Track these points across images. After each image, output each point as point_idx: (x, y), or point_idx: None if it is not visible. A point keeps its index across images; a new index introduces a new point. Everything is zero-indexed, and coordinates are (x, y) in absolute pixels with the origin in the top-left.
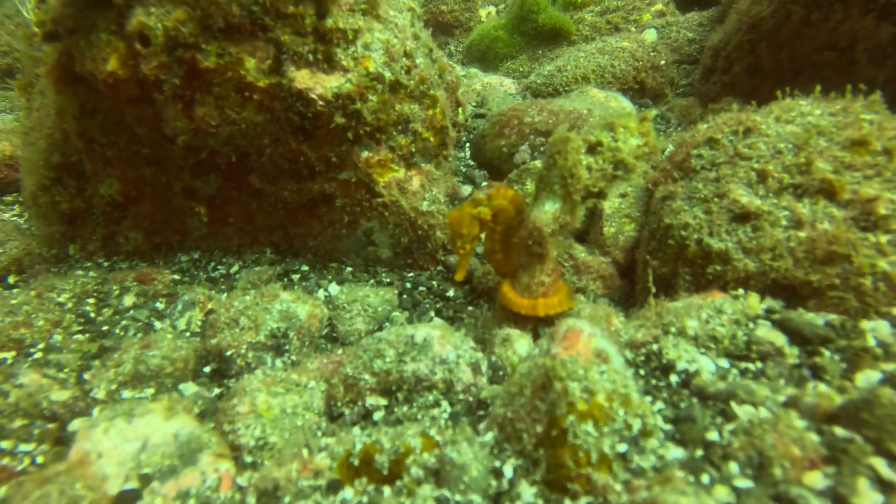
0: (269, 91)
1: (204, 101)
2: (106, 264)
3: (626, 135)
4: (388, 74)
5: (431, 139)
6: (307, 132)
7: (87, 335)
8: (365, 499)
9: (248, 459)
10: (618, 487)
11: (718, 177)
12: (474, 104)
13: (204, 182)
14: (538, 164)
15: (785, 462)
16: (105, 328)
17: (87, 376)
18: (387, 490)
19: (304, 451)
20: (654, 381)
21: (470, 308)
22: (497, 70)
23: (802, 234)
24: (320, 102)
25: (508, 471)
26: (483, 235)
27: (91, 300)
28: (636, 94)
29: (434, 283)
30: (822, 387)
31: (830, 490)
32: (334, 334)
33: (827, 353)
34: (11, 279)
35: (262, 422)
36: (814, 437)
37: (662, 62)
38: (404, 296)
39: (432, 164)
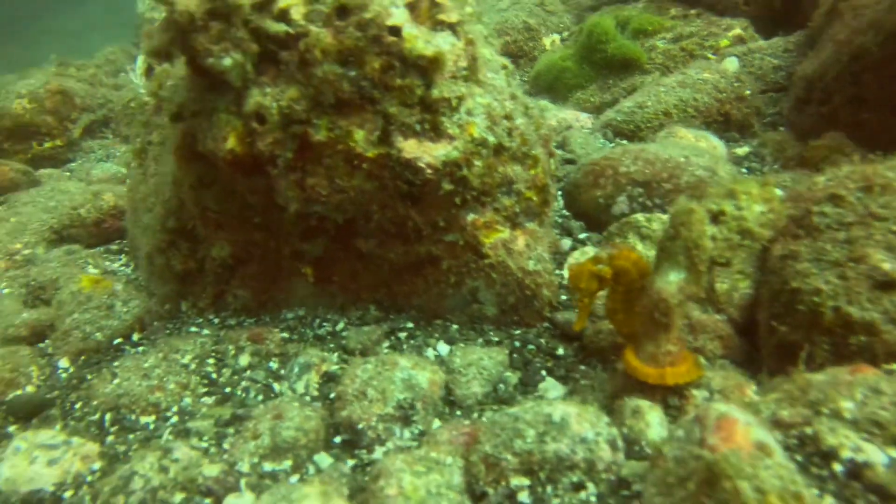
0: (377, 161)
1: (315, 172)
2: (217, 321)
3: (749, 202)
4: (491, 139)
5: (534, 198)
6: (414, 198)
7: (214, 397)
8: None
9: None
10: None
11: (850, 238)
12: (555, 144)
13: (312, 245)
14: (640, 217)
15: None
16: (228, 390)
17: (226, 445)
18: None
19: None
20: (814, 471)
21: (582, 367)
22: (566, 100)
23: None
24: (428, 171)
25: None
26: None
27: (211, 360)
28: (720, 126)
29: (542, 340)
30: None
31: None
32: (451, 398)
33: None
34: (136, 336)
35: (411, 503)
36: None
37: (747, 92)
38: (514, 355)
39: (536, 222)
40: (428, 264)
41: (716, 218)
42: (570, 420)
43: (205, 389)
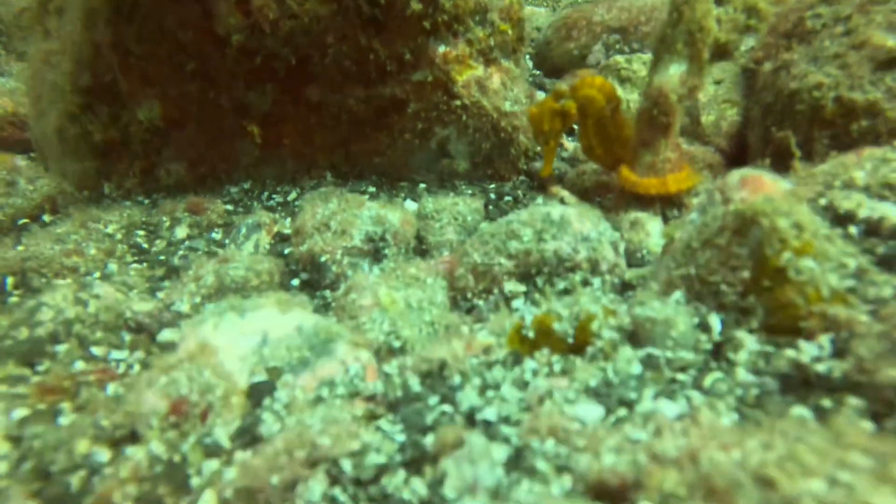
0: None
1: None
2: (146, 202)
3: None
4: None
5: (510, 32)
6: (378, 24)
7: (145, 264)
8: (557, 367)
9: (396, 344)
10: (864, 318)
11: (849, 28)
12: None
13: (258, 94)
14: (619, 59)
15: None
16: (162, 258)
17: (161, 294)
18: (577, 360)
19: (465, 329)
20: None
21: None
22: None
23: None
24: None
25: (716, 323)
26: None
27: (141, 232)
28: None
29: (519, 192)
30: None
31: None
32: (423, 247)
33: None
34: (46, 217)
35: (389, 315)
36: None
37: None
38: (490, 207)
39: (511, 60)
40: (392, 111)
41: None
42: (571, 219)
43: (134, 258)
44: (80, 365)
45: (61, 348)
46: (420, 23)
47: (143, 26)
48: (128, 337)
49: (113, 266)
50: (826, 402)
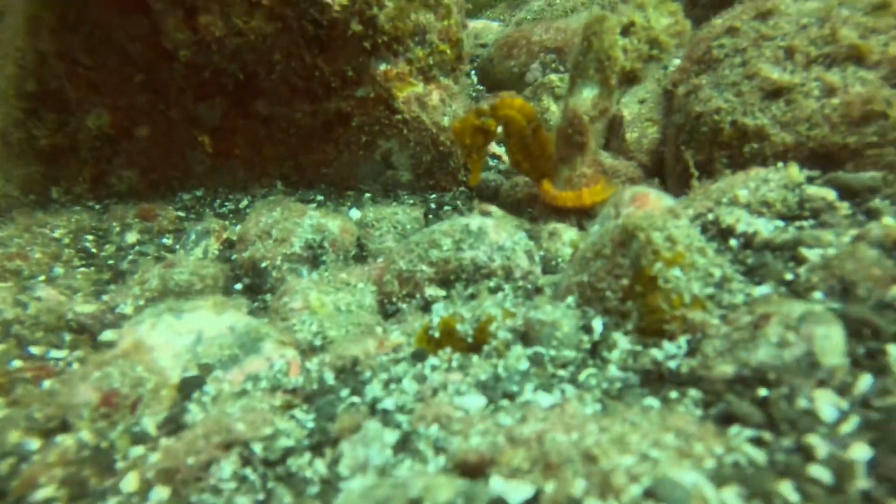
0: None
1: (208, 9)
2: (97, 207)
3: (657, 14)
4: None
5: (448, 51)
6: (322, 43)
7: (93, 268)
8: (455, 363)
9: (317, 343)
10: (715, 321)
11: (745, 60)
12: (473, 38)
13: (208, 107)
14: (553, 77)
15: (868, 282)
16: (111, 262)
17: (106, 297)
18: (475, 357)
19: (379, 330)
20: (715, 246)
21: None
22: (478, 17)
23: (836, 101)
24: (336, 8)
25: (598, 325)
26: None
27: (90, 237)
28: None
29: (458, 202)
30: (887, 219)
31: None
32: (364, 253)
33: (877, 200)
34: None
35: (318, 317)
36: (889, 261)
37: None
38: (430, 216)
39: (450, 78)
40: (338, 124)
41: (626, 30)
42: (488, 229)
43: (82, 262)
44: (16, 363)
45: None
46: (361, 43)
47: (91, 37)
48: (68, 337)
49: (59, 270)
50: (673, 394)
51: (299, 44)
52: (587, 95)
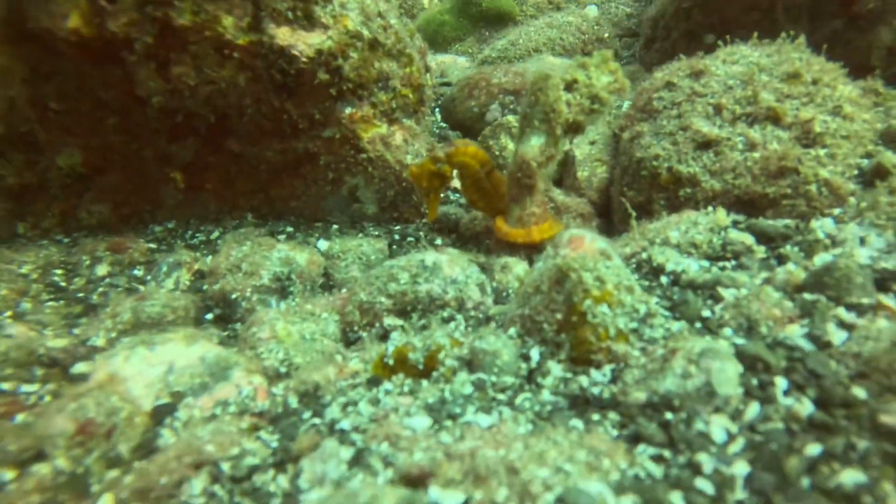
0: (249, 49)
1: (180, 61)
2: (66, 241)
3: (598, 73)
4: (366, 32)
5: (410, 96)
6: (290, 90)
7: (62, 302)
8: (406, 388)
9: (282, 370)
10: (636, 353)
11: (680, 113)
12: (435, 75)
13: (180, 147)
14: (511, 118)
15: (769, 321)
16: (81, 295)
17: (77, 331)
18: (424, 382)
19: (338, 358)
20: (647, 283)
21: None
22: (446, 52)
23: (756, 155)
24: (303, 59)
25: (535, 354)
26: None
27: (59, 271)
28: None
29: (421, 233)
30: (790, 266)
31: (807, 335)
32: (330, 283)
33: (788, 247)
34: None
35: (284, 346)
36: (788, 303)
37: (606, 35)
38: (394, 247)
39: (413, 119)
40: (306, 162)
41: (570, 87)
42: (442, 264)
43: (50, 297)
44: None
45: None
46: (327, 90)
47: (63, 85)
48: (39, 371)
49: (26, 304)
50: (595, 416)
51: (268, 90)
52: (535, 143)
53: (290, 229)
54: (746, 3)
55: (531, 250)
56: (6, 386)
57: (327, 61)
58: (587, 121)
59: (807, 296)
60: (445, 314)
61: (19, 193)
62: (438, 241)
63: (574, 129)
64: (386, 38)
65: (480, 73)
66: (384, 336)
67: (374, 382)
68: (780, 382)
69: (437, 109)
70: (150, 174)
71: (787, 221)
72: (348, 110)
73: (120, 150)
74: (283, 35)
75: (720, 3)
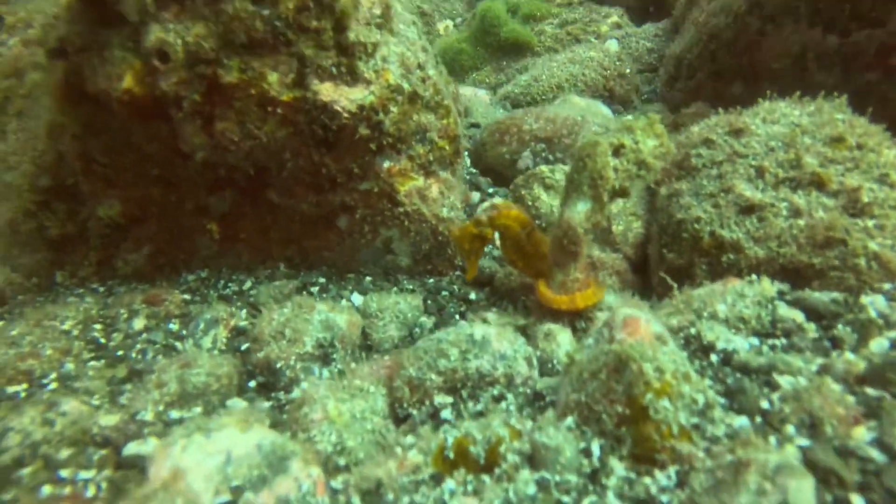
0: (292, 105)
1: (225, 117)
2: (102, 290)
3: (644, 136)
4: (406, 86)
5: (447, 147)
6: (330, 144)
7: (103, 361)
8: (470, 487)
9: (341, 462)
10: (701, 455)
11: (721, 173)
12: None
13: (218, 199)
14: (544, 169)
15: (833, 420)
16: (120, 353)
17: (123, 400)
18: (486, 478)
19: (398, 450)
20: (697, 362)
21: (494, 309)
22: (464, 81)
23: (802, 223)
24: (345, 115)
25: (596, 449)
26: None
27: (98, 326)
28: (606, 100)
29: (455, 287)
30: (848, 354)
31: (876, 441)
32: (368, 342)
33: (840, 326)
34: None
35: (336, 427)
36: (850, 398)
37: (627, 70)
38: (429, 301)
39: (448, 171)
40: (342, 214)
41: (616, 151)
42: (491, 339)
43: (91, 355)
44: (46, 489)
45: (26, 472)
46: (367, 144)
47: (110, 140)
48: (95, 456)
49: (70, 365)
50: None
51: (309, 144)
52: (581, 209)
53: (322, 280)
54: (776, 49)
55: (573, 316)
56: (65, 473)
57: (369, 116)
58: (633, 186)
59: (870, 391)
60: (496, 392)
61: (60, 244)
62: (472, 296)
63: (620, 194)
64: (424, 90)
65: (512, 118)
66: (434, 414)
67: (436, 479)
68: (857, 501)
69: (465, 153)
70: (186, 225)
71: (836, 295)
72: (387, 164)
73: (159, 202)
74: (326, 91)
75: (748, 46)
